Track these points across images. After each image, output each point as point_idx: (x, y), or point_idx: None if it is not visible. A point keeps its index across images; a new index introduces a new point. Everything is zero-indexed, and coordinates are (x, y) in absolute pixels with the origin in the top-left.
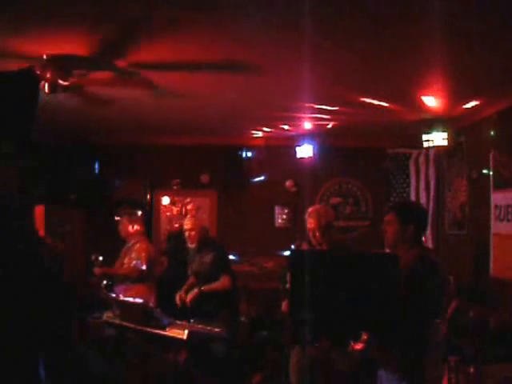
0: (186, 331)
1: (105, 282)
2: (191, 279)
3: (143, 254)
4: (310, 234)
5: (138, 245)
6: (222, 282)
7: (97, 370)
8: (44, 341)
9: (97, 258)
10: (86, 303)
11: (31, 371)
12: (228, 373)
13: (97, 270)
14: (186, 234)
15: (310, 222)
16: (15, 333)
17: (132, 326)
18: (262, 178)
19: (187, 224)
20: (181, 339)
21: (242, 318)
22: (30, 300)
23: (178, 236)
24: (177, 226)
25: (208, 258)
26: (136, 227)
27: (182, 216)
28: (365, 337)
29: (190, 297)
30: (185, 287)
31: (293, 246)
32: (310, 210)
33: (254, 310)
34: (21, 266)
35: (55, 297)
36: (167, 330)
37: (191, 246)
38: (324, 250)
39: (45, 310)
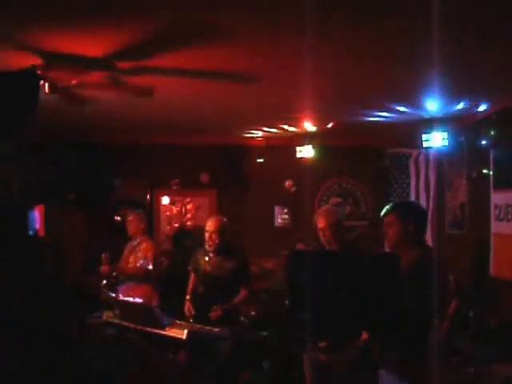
0: (186, 331)
1: (104, 281)
2: (193, 279)
3: (150, 254)
4: (320, 233)
5: (144, 244)
6: (243, 297)
7: (97, 370)
8: (44, 341)
9: (106, 257)
10: (86, 303)
11: (32, 371)
12: (227, 373)
13: (104, 269)
14: (207, 235)
15: (320, 221)
16: (15, 333)
17: (132, 325)
18: (262, 178)
19: (210, 226)
20: (180, 339)
21: (242, 318)
22: (30, 300)
23: (186, 235)
24: (177, 225)
25: (228, 264)
26: (143, 225)
27: (182, 216)
28: (365, 336)
29: (217, 313)
30: (189, 293)
31: (298, 246)
32: (319, 210)
33: (253, 310)
34: (21, 266)
35: (55, 297)
36: (167, 329)
37: (209, 248)
38: (324, 249)
39: (45, 310)
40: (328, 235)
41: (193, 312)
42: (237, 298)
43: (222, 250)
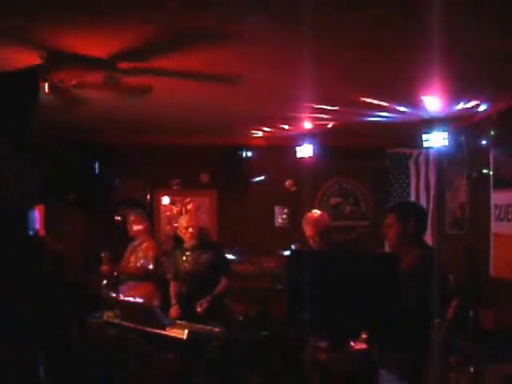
0: (186, 331)
1: (105, 281)
2: (174, 286)
3: (151, 254)
4: (311, 241)
5: (145, 244)
6: (224, 285)
7: (97, 370)
8: (44, 341)
9: (106, 256)
10: (86, 303)
11: (31, 371)
12: (227, 373)
13: (104, 268)
14: (183, 231)
15: (308, 230)
16: (15, 333)
17: (132, 325)
18: (262, 177)
19: (184, 221)
20: (181, 339)
21: (241, 318)
22: (31, 300)
23: None
24: (177, 225)
25: (204, 257)
26: (145, 225)
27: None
28: (364, 336)
29: (203, 306)
30: (174, 299)
31: (293, 246)
32: (306, 217)
33: (253, 309)
34: (21, 266)
35: (55, 297)
36: (167, 329)
37: (189, 244)
38: (323, 250)
39: (45, 310)
40: (317, 241)
41: (179, 312)
42: (219, 287)
43: (198, 245)
